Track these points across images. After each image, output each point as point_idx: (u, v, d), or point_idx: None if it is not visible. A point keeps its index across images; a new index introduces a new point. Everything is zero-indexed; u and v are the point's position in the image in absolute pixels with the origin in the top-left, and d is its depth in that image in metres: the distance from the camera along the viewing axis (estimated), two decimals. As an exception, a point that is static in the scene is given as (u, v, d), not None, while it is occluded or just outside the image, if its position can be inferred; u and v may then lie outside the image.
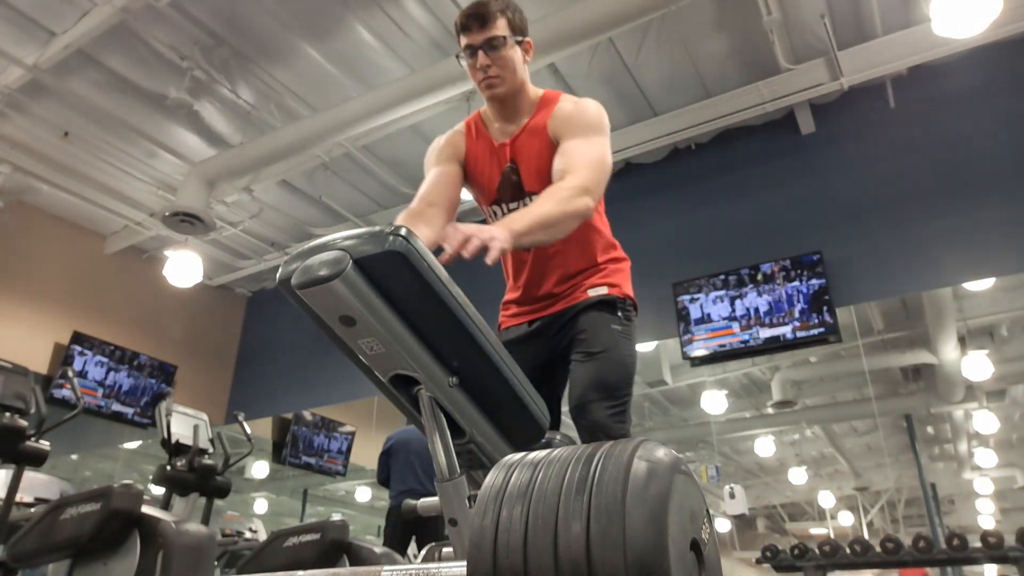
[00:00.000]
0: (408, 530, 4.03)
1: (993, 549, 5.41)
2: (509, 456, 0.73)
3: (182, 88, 4.42)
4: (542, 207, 1.49)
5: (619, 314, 1.87)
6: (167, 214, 4.83)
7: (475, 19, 1.71)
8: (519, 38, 1.77)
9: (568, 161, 1.64)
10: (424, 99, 4.07)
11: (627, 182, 5.17)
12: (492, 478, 0.68)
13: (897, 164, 4.24)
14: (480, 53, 1.72)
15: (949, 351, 6.18)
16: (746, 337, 4.38)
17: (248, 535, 5.19)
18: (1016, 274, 4.35)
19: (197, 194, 4.84)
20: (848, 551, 5.74)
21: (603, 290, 1.86)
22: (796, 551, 5.99)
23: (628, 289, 1.96)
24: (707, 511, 0.68)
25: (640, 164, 5.12)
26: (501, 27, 1.72)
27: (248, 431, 4.42)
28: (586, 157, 1.64)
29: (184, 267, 5.59)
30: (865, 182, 4.30)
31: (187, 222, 4.85)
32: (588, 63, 4.33)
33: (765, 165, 4.69)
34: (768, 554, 6.14)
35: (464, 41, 1.73)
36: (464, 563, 0.63)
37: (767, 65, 4.23)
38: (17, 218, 5.55)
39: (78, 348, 5.74)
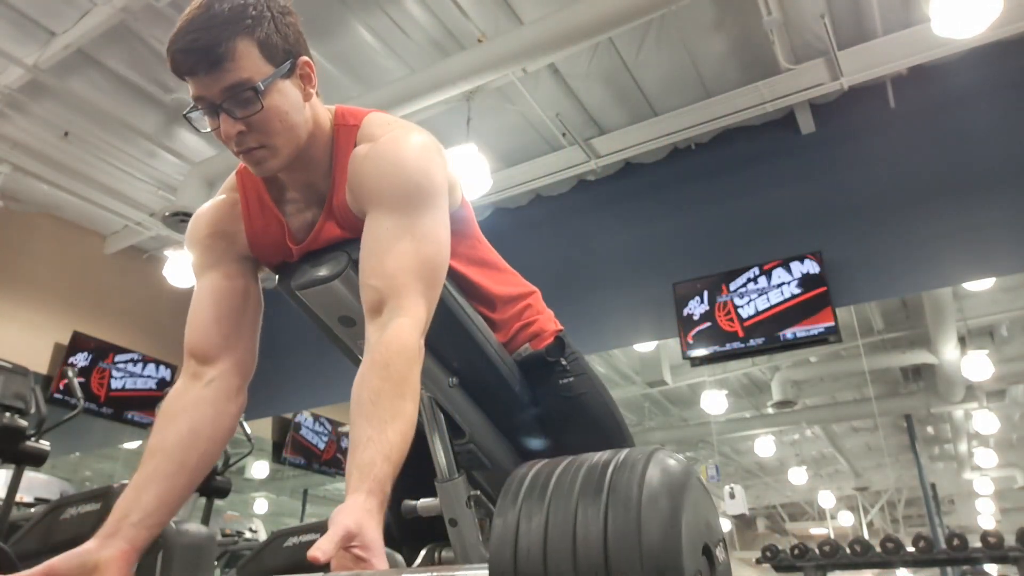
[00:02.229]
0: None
1: (993, 549, 5.42)
2: (527, 463, 0.75)
3: (182, 88, 4.42)
4: (390, 426, 0.91)
5: (562, 364, 1.41)
6: (167, 214, 4.84)
7: (200, 56, 1.01)
8: (285, 66, 1.07)
9: (378, 267, 1.04)
10: (424, 99, 4.07)
11: (627, 182, 5.17)
12: (510, 484, 0.71)
13: (897, 164, 4.24)
14: (222, 115, 1.04)
15: (949, 351, 6.18)
16: (746, 337, 4.38)
17: (248, 535, 5.20)
18: (1016, 274, 4.35)
19: (197, 194, 4.84)
20: (848, 551, 5.75)
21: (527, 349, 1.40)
22: (796, 551, 5.99)
23: (547, 325, 1.44)
24: (718, 519, 0.72)
25: (640, 164, 5.12)
26: (249, 61, 1.03)
27: (248, 431, 4.42)
28: (409, 258, 1.04)
29: (184, 267, 5.59)
30: (865, 182, 4.30)
31: (187, 222, 4.84)
32: (588, 63, 4.33)
33: (765, 165, 4.69)
34: (768, 554, 6.15)
35: (192, 90, 1.05)
36: (485, 568, 0.66)
37: (767, 65, 4.23)
38: (17, 218, 5.55)
39: (79, 349, 5.74)
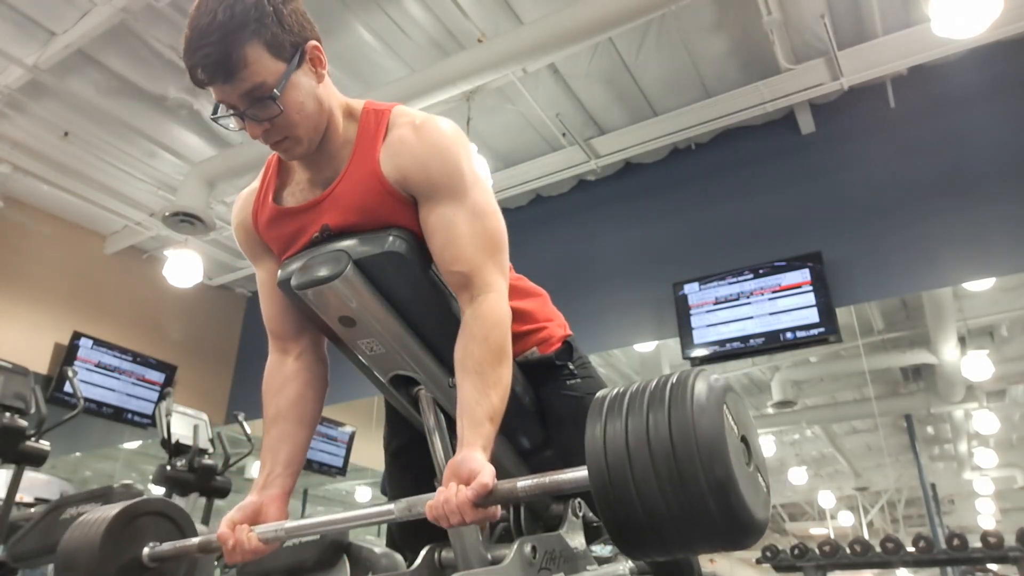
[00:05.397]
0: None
1: (993, 549, 5.42)
2: (602, 390, 0.96)
3: (182, 88, 4.43)
4: (493, 391, 1.10)
5: (569, 368, 1.44)
6: (167, 214, 4.83)
7: (216, 69, 1.08)
8: (295, 57, 1.14)
9: (458, 254, 1.17)
10: (424, 99, 4.07)
11: (627, 182, 5.17)
12: (595, 406, 0.93)
13: (897, 164, 4.24)
14: (247, 120, 1.15)
15: (949, 351, 6.17)
16: (746, 337, 4.37)
17: (248, 535, 5.18)
18: (1016, 274, 4.35)
19: (197, 194, 4.84)
20: (848, 551, 5.74)
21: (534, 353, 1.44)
22: (796, 551, 5.99)
23: (556, 330, 1.47)
24: (750, 417, 0.95)
25: (640, 164, 5.12)
26: (261, 65, 1.10)
27: (248, 431, 4.42)
28: (480, 239, 1.18)
29: (184, 267, 5.59)
30: (865, 182, 4.30)
31: (187, 222, 4.85)
32: (588, 63, 4.33)
33: (765, 165, 4.69)
34: (768, 554, 6.14)
35: (214, 96, 1.14)
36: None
37: (767, 65, 4.23)
38: (17, 218, 5.55)
39: (81, 345, 5.74)
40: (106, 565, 1.20)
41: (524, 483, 0.99)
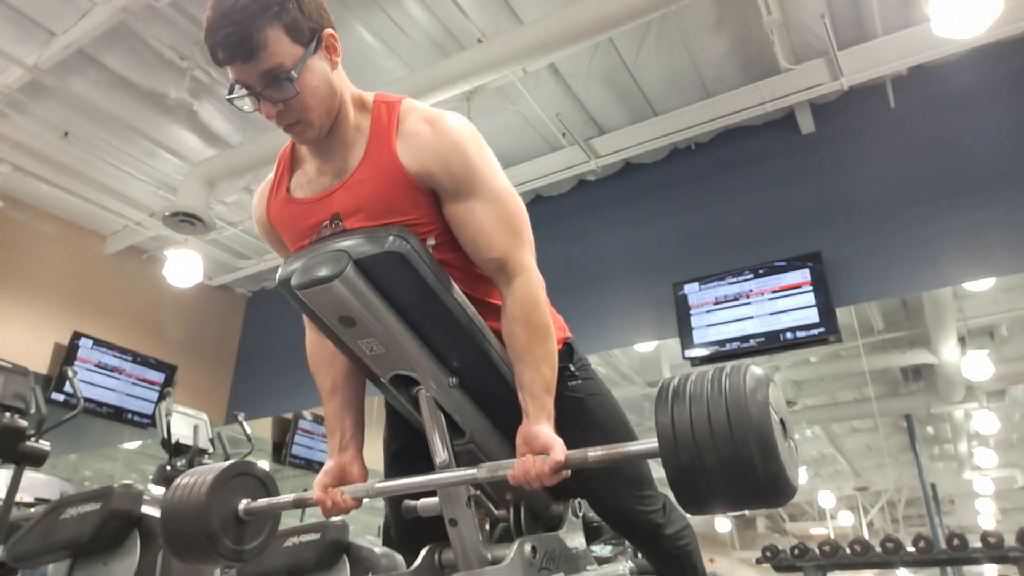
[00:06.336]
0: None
1: (993, 549, 5.41)
2: (667, 377, 1.11)
3: (182, 88, 4.42)
4: (543, 364, 1.24)
5: (569, 369, 1.43)
6: (167, 214, 4.83)
7: (236, 49, 1.11)
8: (312, 43, 1.17)
9: (490, 243, 1.24)
10: (424, 99, 4.03)
11: (627, 182, 5.17)
12: (662, 391, 1.10)
13: (897, 164, 4.24)
14: (263, 101, 1.17)
15: (949, 351, 6.17)
16: (746, 337, 4.37)
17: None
18: (1016, 274, 4.34)
19: (197, 194, 4.84)
20: (848, 551, 5.74)
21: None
22: (796, 551, 5.99)
23: (556, 332, 1.41)
24: (784, 403, 1.11)
25: (640, 164, 5.12)
26: (280, 47, 1.13)
27: (248, 431, 4.42)
28: (505, 223, 1.26)
29: (184, 267, 5.59)
30: (865, 182, 4.30)
31: (187, 222, 4.85)
32: (588, 63, 4.33)
33: (765, 165, 4.69)
34: (768, 554, 6.14)
35: (231, 75, 1.17)
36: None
37: (767, 65, 4.23)
38: (17, 218, 5.55)
39: (81, 345, 5.74)
40: (211, 516, 1.36)
41: (595, 453, 1.14)
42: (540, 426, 1.19)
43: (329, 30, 1.21)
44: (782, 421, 1.07)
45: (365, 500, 1.32)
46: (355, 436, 1.40)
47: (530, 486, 1.16)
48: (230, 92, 1.20)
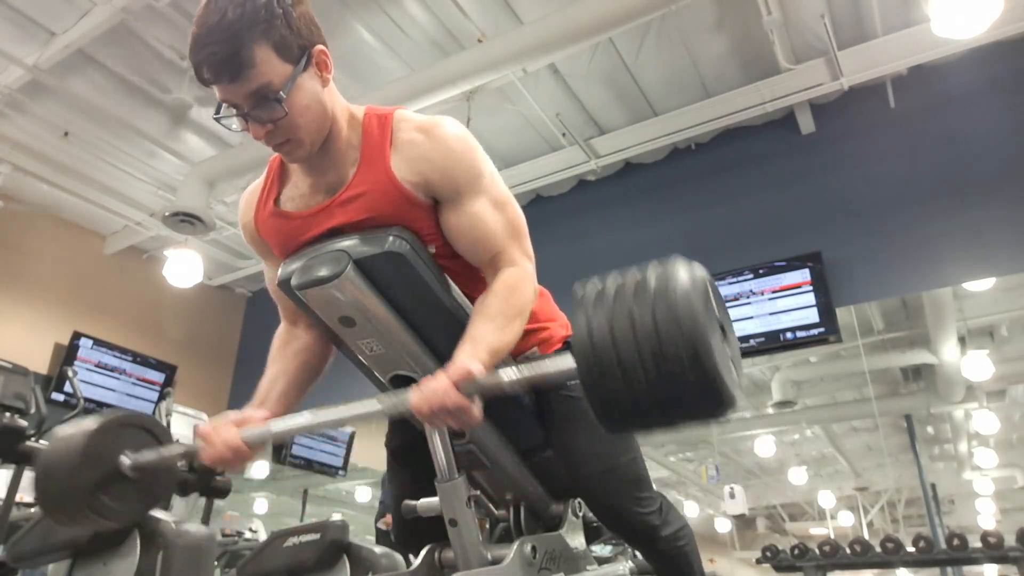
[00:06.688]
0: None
1: (993, 549, 5.41)
2: (586, 281, 0.99)
3: (182, 88, 4.42)
4: (503, 331, 1.15)
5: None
6: (167, 214, 4.83)
7: (222, 68, 1.07)
8: (302, 60, 1.13)
9: (491, 247, 1.24)
10: (424, 99, 4.07)
11: (627, 182, 5.17)
12: (580, 296, 0.97)
13: (897, 164, 4.24)
14: (250, 121, 1.14)
15: (949, 351, 6.18)
16: (746, 337, 4.38)
17: (248, 535, 5.18)
18: (1016, 274, 4.34)
19: (197, 194, 4.84)
20: (848, 551, 5.74)
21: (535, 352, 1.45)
22: (796, 551, 5.99)
23: (558, 330, 1.47)
24: (725, 306, 1.00)
25: (640, 164, 5.12)
26: (268, 66, 1.08)
27: (248, 431, 4.41)
28: (504, 228, 1.25)
29: (184, 267, 5.58)
30: (865, 182, 4.30)
31: (187, 222, 4.85)
32: (588, 63, 4.33)
33: (765, 165, 4.69)
34: (768, 554, 6.14)
35: (218, 95, 1.12)
36: None
37: (767, 65, 4.23)
38: (17, 218, 5.55)
39: (81, 345, 5.74)
40: (86, 472, 1.20)
41: (510, 373, 1.03)
42: (463, 358, 1.06)
43: (320, 46, 1.17)
44: (721, 327, 0.94)
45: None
46: (276, 401, 1.29)
47: (430, 410, 1.02)
48: (217, 111, 1.15)
